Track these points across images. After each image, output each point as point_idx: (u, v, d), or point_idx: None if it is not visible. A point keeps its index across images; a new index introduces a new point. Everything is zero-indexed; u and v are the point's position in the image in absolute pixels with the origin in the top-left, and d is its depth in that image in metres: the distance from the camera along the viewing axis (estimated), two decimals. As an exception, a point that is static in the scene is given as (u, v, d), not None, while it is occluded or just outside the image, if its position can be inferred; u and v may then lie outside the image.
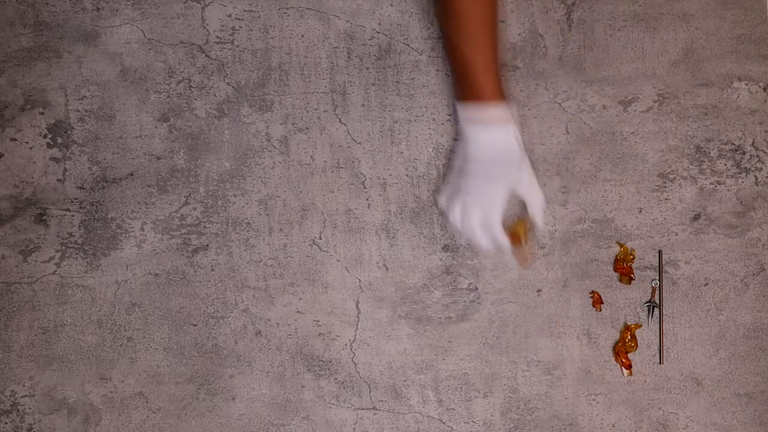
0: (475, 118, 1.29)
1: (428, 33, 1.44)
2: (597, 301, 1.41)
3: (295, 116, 1.44)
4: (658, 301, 1.41)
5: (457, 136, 1.35)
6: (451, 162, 1.37)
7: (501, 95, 1.30)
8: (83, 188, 1.44)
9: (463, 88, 1.31)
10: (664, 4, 1.44)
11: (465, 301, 1.43)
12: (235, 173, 1.44)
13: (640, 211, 1.42)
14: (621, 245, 1.40)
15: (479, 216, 1.32)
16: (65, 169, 1.44)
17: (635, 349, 1.40)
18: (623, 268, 1.39)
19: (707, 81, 1.43)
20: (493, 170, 1.30)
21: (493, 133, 1.29)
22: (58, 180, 1.44)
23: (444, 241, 1.43)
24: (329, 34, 1.45)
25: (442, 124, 1.44)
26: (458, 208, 1.34)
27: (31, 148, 1.44)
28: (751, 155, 1.42)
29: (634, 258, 1.40)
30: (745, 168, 1.42)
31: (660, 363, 1.41)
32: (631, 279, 1.40)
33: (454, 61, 1.31)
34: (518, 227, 1.36)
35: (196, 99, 1.45)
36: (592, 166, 1.44)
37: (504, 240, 1.32)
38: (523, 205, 1.38)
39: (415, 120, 1.44)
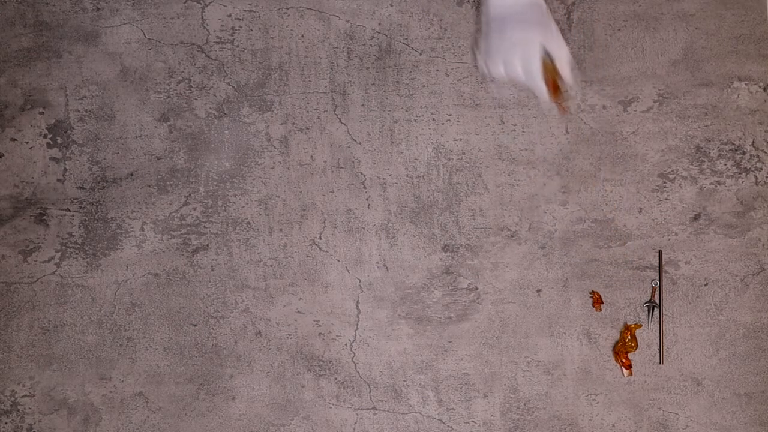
0: None
1: (428, 33, 1.44)
2: (597, 301, 1.41)
3: (295, 116, 1.44)
4: (658, 301, 1.41)
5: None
6: (480, 25, 1.35)
7: None
8: (83, 188, 1.44)
9: None
10: (664, 4, 1.43)
11: (465, 301, 1.43)
12: (235, 173, 1.44)
13: (640, 211, 1.42)
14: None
15: (520, 64, 1.31)
16: (65, 169, 1.44)
17: (635, 349, 1.40)
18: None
19: (707, 81, 1.43)
20: (525, 18, 1.30)
21: None
22: (58, 180, 1.44)
23: (444, 241, 1.43)
24: (329, 34, 1.45)
25: (442, 124, 1.44)
26: (501, 64, 1.33)
27: (31, 148, 1.44)
28: (751, 155, 1.42)
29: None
30: (745, 168, 1.42)
31: (660, 363, 1.41)
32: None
33: None
34: (551, 73, 1.34)
35: (196, 99, 1.45)
36: (592, 166, 1.44)
37: (543, 85, 1.31)
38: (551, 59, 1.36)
39: (415, 120, 1.44)
